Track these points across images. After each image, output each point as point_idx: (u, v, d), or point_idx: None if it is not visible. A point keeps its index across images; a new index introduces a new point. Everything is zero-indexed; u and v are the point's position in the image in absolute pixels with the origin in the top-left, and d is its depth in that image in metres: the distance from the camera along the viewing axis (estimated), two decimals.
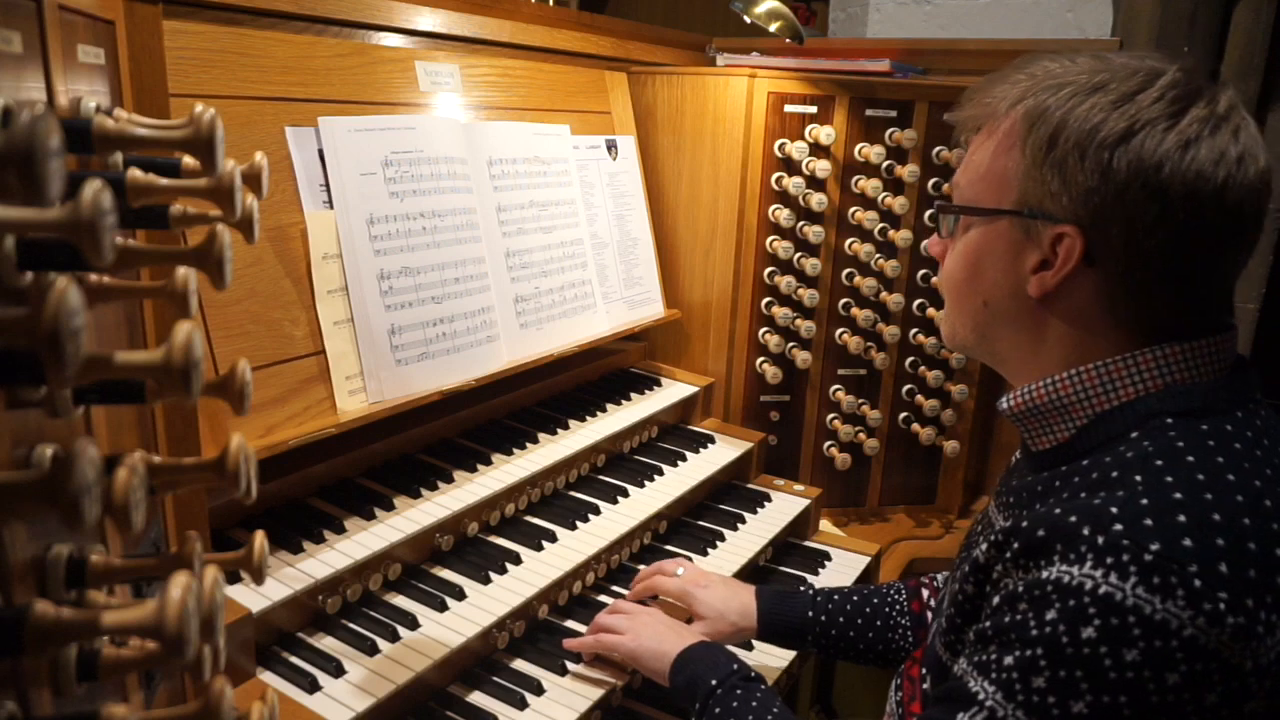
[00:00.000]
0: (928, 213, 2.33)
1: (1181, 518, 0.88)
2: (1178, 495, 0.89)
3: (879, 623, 1.56)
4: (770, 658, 1.72)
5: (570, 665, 1.54)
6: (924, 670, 1.23)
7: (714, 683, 1.34)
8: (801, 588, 1.65)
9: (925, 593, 1.57)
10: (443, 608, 1.50)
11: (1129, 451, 0.97)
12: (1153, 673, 0.84)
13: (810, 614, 1.58)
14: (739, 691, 1.32)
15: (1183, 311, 1.01)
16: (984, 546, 1.01)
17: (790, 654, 1.72)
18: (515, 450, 1.84)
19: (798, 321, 2.29)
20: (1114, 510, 0.90)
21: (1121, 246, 0.98)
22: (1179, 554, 0.85)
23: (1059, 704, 0.87)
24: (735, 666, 1.37)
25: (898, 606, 1.57)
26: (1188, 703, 0.85)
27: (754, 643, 1.74)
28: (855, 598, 1.60)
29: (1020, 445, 1.20)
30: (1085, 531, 0.89)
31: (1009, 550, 0.96)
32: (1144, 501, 0.90)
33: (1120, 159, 0.96)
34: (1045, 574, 0.91)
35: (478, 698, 1.46)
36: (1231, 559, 0.86)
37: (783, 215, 2.23)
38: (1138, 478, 0.92)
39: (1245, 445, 0.96)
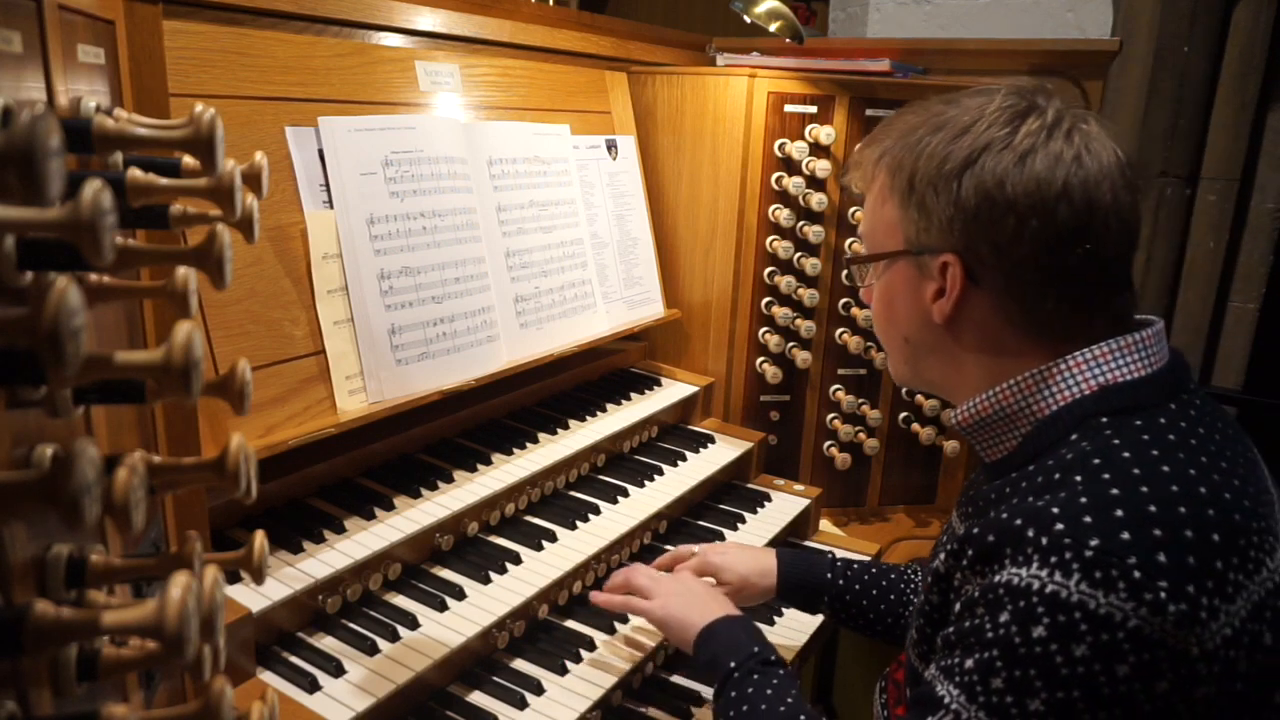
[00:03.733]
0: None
1: (1119, 512, 0.91)
2: (1114, 491, 0.93)
3: (893, 597, 1.60)
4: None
5: (570, 665, 1.54)
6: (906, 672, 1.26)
7: (732, 665, 1.36)
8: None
9: None
10: (443, 608, 1.50)
11: (1068, 453, 1.01)
12: (1102, 666, 0.87)
13: (829, 576, 1.63)
14: (755, 676, 1.34)
15: (1079, 311, 1.07)
16: (942, 556, 1.05)
17: (790, 654, 1.73)
18: (515, 450, 1.84)
19: (798, 321, 2.29)
20: (1055, 510, 0.93)
21: (995, 262, 1.06)
22: (1117, 548, 0.89)
23: (1016, 703, 0.90)
24: (755, 649, 1.38)
25: (913, 585, 1.60)
26: (1139, 693, 0.87)
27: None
28: (874, 569, 1.64)
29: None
30: (1030, 533, 0.93)
31: (964, 557, 1.00)
32: (1083, 500, 0.93)
33: (966, 185, 1.05)
34: (997, 578, 0.94)
35: (478, 697, 1.46)
36: (1169, 548, 0.89)
37: (783, 215, 2.23)
38: (1077, 478, 0.96)
39: (1180, 435, 1.00)
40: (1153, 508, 0.91)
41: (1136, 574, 0.87)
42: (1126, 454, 0.97)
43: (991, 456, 1.17)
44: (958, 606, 1.00)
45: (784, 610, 1.82)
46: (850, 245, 2.32)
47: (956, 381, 1.18)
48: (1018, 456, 1.11)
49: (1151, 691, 0.87)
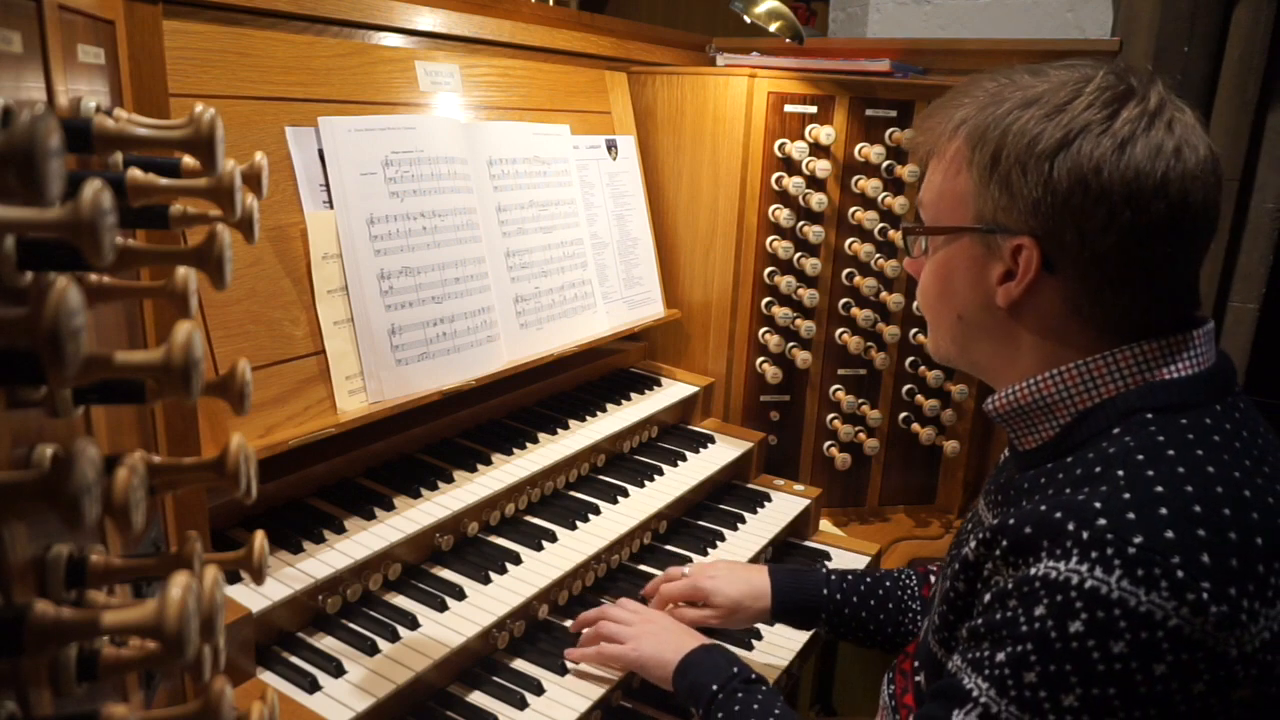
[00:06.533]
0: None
1: (1163, 510, 0.89)
2: (1159, 488, 0.91)
3: (890, 605, 1.58)
4: (771, 657, 1.72)
5: (570, 665, 1.54)
6: (916, 664, 1.24)
7: (714, 688, 1.35)
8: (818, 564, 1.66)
9: (934, 579, 1.59)
10: (443, 608, 1.50)
11: (1111, 447, 0.99)
12: (1140, 664, 0.86)
13: (825, 592, 1.60)
14: (740, 695, 1.33)
15: (1148, 307, 1.04)
16: (973, 544, 1.02)
17: (790, 654, 1.73)
18: (515, 450, 1.84)
19: (798, 321, 2.29)
20: (1097, 505, 0.91)
21: (1077, 251, 1.01)
22: (1162, 546, 0.87)
23: (1050, 698, 0.89)
24: (735, 670, 1.37)
25: (909, 591, 1.59)
26: (1176, 692, 0.86)
27: (754, 643, 1.74)
28: (869, 579, 1.62)
29: (1008, 444, 1.22)
30: (1070, 527, 0.91)
31: (998, 548, 0.98)
32: (1126, 496, 0.91)
33: (1060, 168, 0.99)
34: (1033, 570, 0.92)
35: (478, 698, 1.46)
36: (1213, 549, 0.87)
37: (783, 215, 2.23)
38: (1120, 473, 0.94)
39: (1224, 437, 0.98)
40: (1197, 507, 0.89)
41: (1180, 573, 0.86)
42: (1171, 451, 0.95)
43: (1025, 445, 1.14)
44: (987, 597, 0.98)
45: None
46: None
47: (1005, 367, 1.13)
48: (1054, 447, 1.08)
49: (1188, 692, 0.86)
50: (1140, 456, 0.95)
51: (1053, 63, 1.08)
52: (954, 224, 1.11)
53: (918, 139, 1.17)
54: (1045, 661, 0.89)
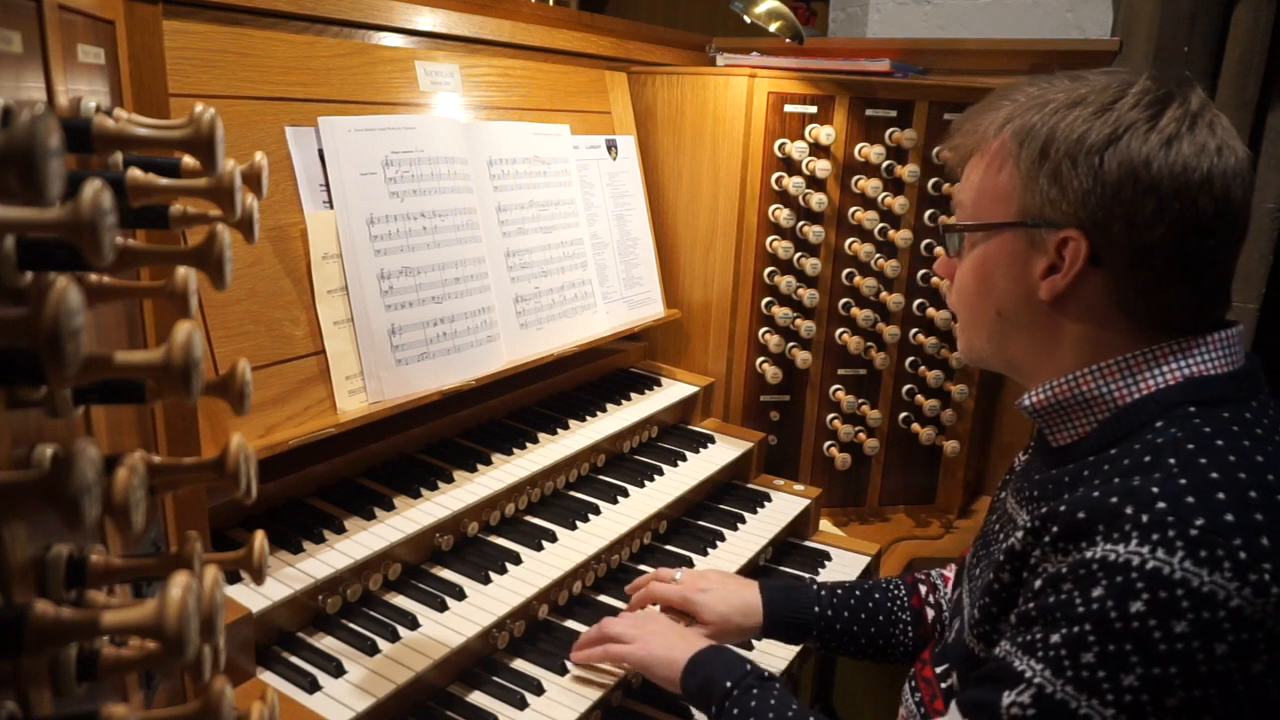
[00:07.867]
0: (928, 213, 2.33)
1: (1221, 495, 0.91)
2: (1214, 475, 0.93)
3: (881, 618, 1.57)
4: (770, 658, 1.72)
5: (570, 665, 1.54)
6: (939, 670, 1.24)
7: (729, 684, 1.34)
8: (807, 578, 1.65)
9: (923, 589, 1.59)
10: (443, 608, 1.50)
11: (1158, 439, 1.01)
12: (1202, 643, 0.87)
13: (816, 609, 1.59)
14: (755, 691, 1.32)
15: (1189, 304, 1.06)
16: (1019, 534, 1.03)
17: (790, 654, 1.72)
18: (515, 450, 1.84)
19: (798, 321, 2.29)
20: (1155, 490, 0.93)
21: (1124, 243, 1.04)
22: (1224, 528, 0.89)
23: (1109, 677, 0.90)
24: (749, 667, 1.37)
25: (898, 601, 1.58)
26: (1235, 672, 0.87)
27: (753, 643, 1.74)
28: (858, 592, 1.61)
29: (1035, 442, 1.23)
30: (1128, 510, 0.93)
31: (1047, 535, 0.99)
32: (1182, 481, 0.93)
33: (1110, 160, 1.02)
34: (1089, 554, 0.94)
35: (478, 698, 1.46)
36: (1272, 532, 0.89)
37: (783, 215, 2.23)
38: (1171, 460, 0.96)
39: (1265, 430, 1.01)
40: (1253, 493, 0.92)
41: (1242, 555, 0.87)
42: (1219, 441, 0.97)
43: (1060, 441, 1.15)
44: (1036, 584, 0.99)
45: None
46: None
47: (1042, 362, 1.14)
48: (1092, 442, 1.09)
49: (1247, 672, 0.87)
50: (1191, 446, 0.97)
51: (1090, 70, 1.10)
52: (997, 219, 1.13)
53: (956, 140, 1.19)
54: (1105, 642, 0.90)
